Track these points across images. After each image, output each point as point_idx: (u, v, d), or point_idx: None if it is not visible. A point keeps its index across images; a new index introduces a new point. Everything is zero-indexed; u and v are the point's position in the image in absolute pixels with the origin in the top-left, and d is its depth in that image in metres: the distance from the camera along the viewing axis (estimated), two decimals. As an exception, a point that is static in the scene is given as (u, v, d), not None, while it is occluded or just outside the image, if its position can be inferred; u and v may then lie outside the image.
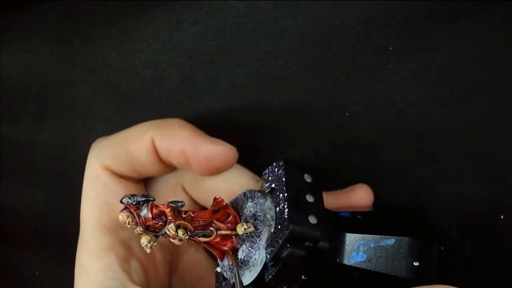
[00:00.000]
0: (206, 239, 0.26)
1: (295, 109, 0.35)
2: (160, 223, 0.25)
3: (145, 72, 0.36)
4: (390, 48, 0.32)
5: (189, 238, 0.25)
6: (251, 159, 0.37)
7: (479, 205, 0.34)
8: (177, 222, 0.25)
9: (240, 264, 0.26)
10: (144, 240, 0.25)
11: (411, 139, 0.34)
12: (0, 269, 0.45)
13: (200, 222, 0.26)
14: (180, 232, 0.25)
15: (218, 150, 0.30)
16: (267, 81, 0.35)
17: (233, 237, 0.27)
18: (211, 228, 0.26)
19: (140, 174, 0.31)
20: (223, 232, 0.27)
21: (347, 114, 0.34)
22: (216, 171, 0.30)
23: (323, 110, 0.34)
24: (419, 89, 0.33)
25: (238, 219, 0.27)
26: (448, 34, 0.32)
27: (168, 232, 0.25)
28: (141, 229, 0.25)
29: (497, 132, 0.33)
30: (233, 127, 0.36)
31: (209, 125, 0.36)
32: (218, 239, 0.27)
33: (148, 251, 0.25)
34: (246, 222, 0.27)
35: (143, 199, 0.25)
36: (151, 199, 0.25)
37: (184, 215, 0.26)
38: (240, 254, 0.27)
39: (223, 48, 0.34)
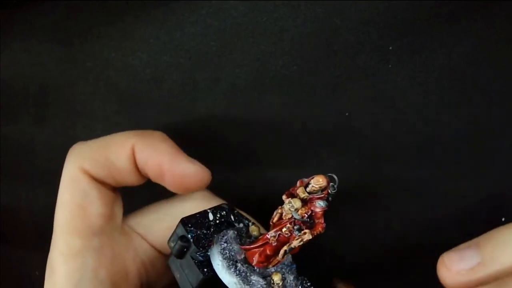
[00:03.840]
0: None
1: (295, 109, 0.35)
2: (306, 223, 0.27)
3: (145, 72, 0.36)
4: (390, 48, 0.32)
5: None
6: (251, 159, 0.37)
7: (480, 207, 0.34)
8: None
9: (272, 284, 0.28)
10: (297, 202, 0.26)
11: (411, 139, 0.34)
12: (0, 269, 0.45)
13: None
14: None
15: (193, 169, 0.30)
16: (267, 81, 0.35)
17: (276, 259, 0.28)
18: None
19: (117, 182, 0.31)
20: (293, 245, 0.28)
21: (347, 114, 0.34)
22: (187, 190, 0.31)
23: (323, 110, 0.34)
24: (419, 89, 0.33)
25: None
26: (448, 34, 0.32)
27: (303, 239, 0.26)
28: (299, 207, 0.26)
29: (497, 132, 0.33)
30: (233, 127, 0.36)
31: (209, 125, 0.36)
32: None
33: (289, 213, 0.26)
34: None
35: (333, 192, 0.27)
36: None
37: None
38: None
39: (223, 48, 0.34)
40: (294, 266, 0.29)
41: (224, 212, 0.30)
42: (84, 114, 0.39)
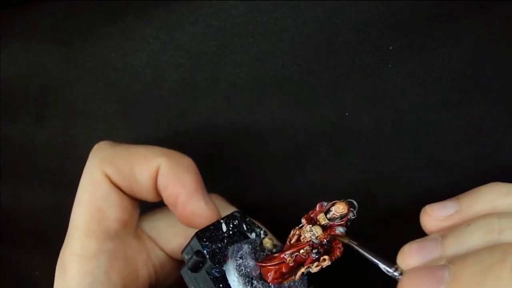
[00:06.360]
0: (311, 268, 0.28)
1: (295, 109, 0.35)
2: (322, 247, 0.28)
3: (145, 72, 0.36)
4: (390, 48, 0.32)
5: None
6: (251, 159, 0.37)
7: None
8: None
9: None
10: (319, 230, 0.27)
11: (411, 139, 0.34)
12: (0, 269, 0.45)
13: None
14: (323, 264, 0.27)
15: (204, 210, 0.30)
16: (267, 81, 0.35)
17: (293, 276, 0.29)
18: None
19: (133, 194, 0.31)
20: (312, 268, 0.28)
21: (347, 114, 0.34)
22: (191, 225, 0.31)
23: (323, 110, 0.34)
24: (419, 89, 0.33)
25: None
26: (448, 34, 0.32)
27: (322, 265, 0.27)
28: (318, 230, 0.27)
29: (497, 132, 0.33)
30: (233, 127, 0.36)
31: (209, 125, 0.36)
32: (293, 265, 0.28)
33: (308, 236, 0.27)
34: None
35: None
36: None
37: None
38: None
39: (223, 48, 0.34)
40: (306, 278, 0.30)
41: (236, 221, 0.31)
42: (84, 114, 0.39)
